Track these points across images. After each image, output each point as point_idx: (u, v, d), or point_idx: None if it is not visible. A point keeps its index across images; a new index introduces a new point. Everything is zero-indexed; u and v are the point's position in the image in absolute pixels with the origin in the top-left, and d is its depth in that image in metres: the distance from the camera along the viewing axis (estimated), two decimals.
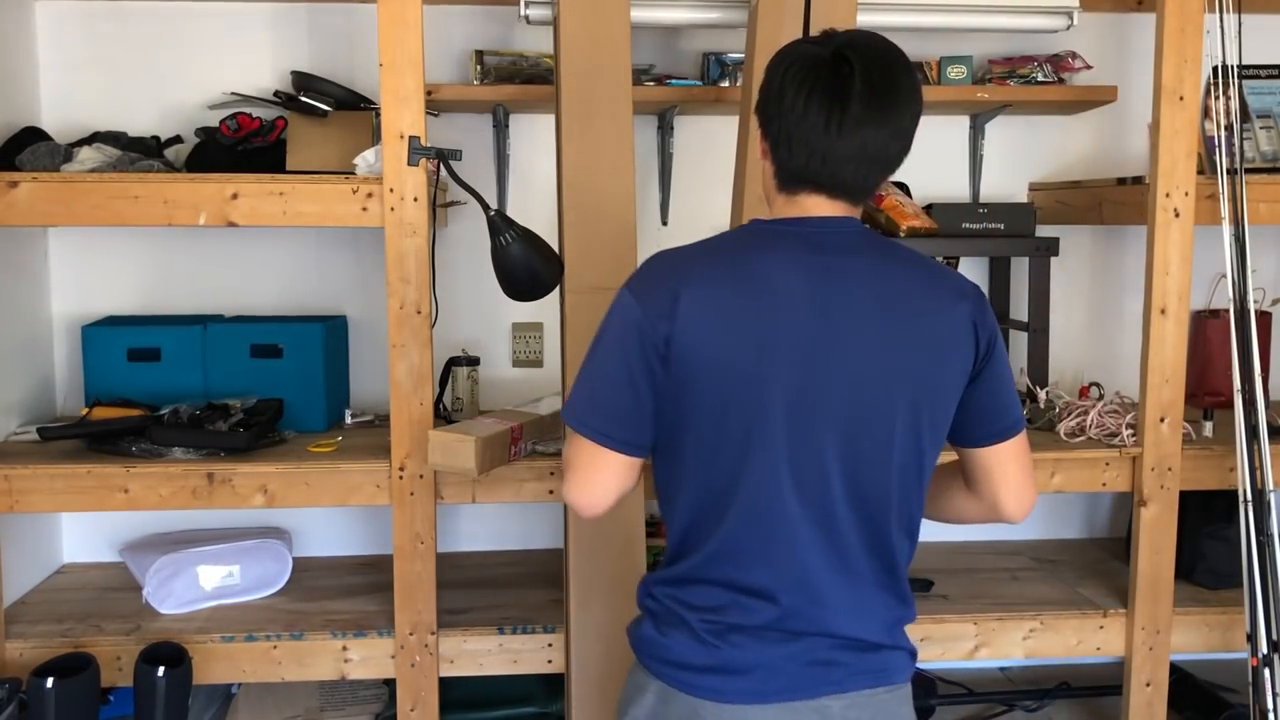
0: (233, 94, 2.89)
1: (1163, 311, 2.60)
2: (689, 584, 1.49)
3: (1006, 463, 1.55)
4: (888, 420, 1.44)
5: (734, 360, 1.41)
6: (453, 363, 2.90)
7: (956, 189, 3.20)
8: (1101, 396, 2.92)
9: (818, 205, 1.49)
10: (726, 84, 2.94)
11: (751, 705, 1.43)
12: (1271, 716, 2.45)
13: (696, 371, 1.41)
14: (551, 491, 2.58)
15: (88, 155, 2.57)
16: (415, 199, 2.44)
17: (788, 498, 1.43)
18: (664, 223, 3.12)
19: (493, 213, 2.27)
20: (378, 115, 2.57)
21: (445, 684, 2.62)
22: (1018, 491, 1.56)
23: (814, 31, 2.34)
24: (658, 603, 1.51)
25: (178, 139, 2.88)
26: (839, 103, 1.42)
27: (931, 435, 1.49)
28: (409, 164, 2.34)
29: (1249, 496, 2.52)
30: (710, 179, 3.03)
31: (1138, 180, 2.75)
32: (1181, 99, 2.55)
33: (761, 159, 1.53)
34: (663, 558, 1.55)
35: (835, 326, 1.42)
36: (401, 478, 2.51)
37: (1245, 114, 2.77)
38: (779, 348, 1.41)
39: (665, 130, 3.06)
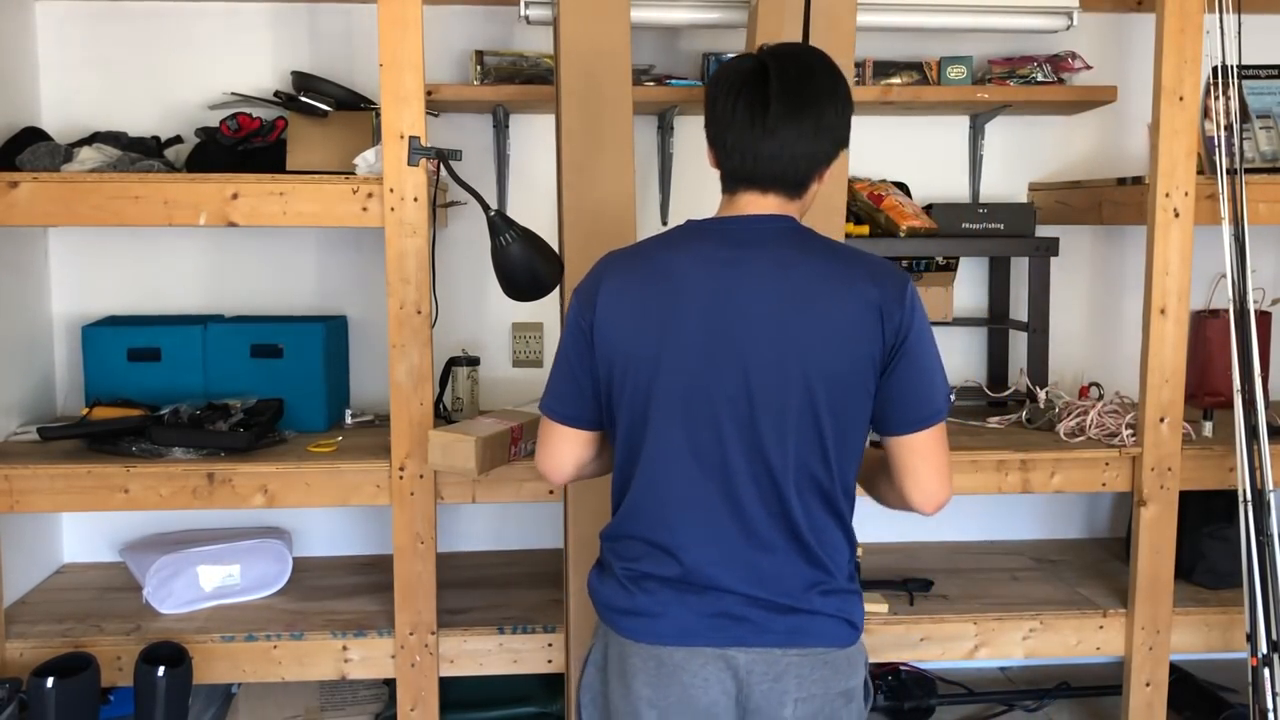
0: (233, 94, 2.90)
1: (1162, 311, 2.60)
2: (618, 539, 1.68)
3: (916, 453, 1.62)
4: (781, 402, 1.56)
5: (637, 345, 1.59)
6: (453, 363, 2.90)
7: (956, 189, 3.20)
8: (1101, 396, 2.92)
9: (751, 202, 1.65)
10: None
11: (662, 645, 1.60)
12: (1271, 716, 2.45)
13: (610, 355, 1.61)
14: (551, 491, 2.58)
15: (88, 155, 2.57)
16: (415, 199, 2.44)
17: (686, 468, 1.59)
18: (664, 223, 3.12)
19: (493, 213, 2.27)
20: (378, 115, 2.57)
21: (445, 684, 2.62)
22: (924, 484, 1.63)
23: (814, 31, 2.36)
24: (601, 555, 1.72)
25: (178, 139, 2.88)
26: (760, 104, 1.58)
27: (832, 419, 1.58)
28: (409, 164, 2.33)
29: (1249, 496, 2.52)
30: (710, 179, 2.99)
31: (1138, 180, 2.75)
32: (1181, 99, 2.55)
33: (711, 163, 1.70)
34: None
35: (730, 315, 1.57)
36: (401, 478, 2.51)
37: (1245, 114, 2.78)
38: (678, 333, 1.57)
39: (665, 130, 3.06)
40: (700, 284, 1.58)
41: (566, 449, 1.71)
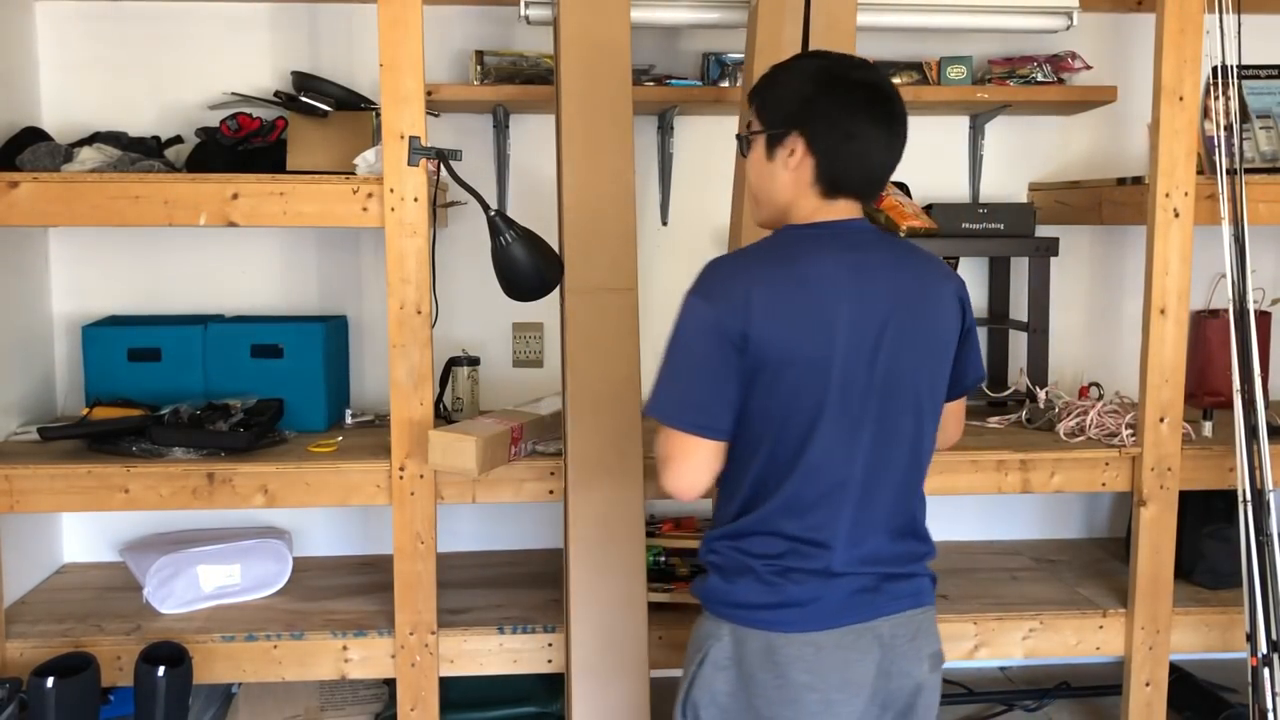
0: (233, 94, 2.90)
1: (1162, 311, 2.60)
2: (750, 536, 1.70)
3: (953, 414, 1.86)
4: (915, 395, 1.69)
5: (806, 348, 1.63)
6: (453, 363, 2.90)
7: (956, 189, 3.20)
8: (1101, 396, 2.92)
9: (849, 209, 1.71)
10: (726, 84, 2.94)
11: (817, 632, 1.67)
12: (1271, 716, 2.45)
13: (769, 359, 1.62)
14: (551, 491, 2.58)
15: (88, 155, 2.57)
16: (415, 199, 2.44)
17: (843, 463, 1.66)
18: (664, 223, 3.12)
19: (493, 213, 2.27)
20: (378, 115, 2.57)
21: (445, 684, 2.62)
22: (951, 434, 1.88)
23: (814, 31, 2.35)
24: (722, 556, 1.73)
25: (178, 139, 2.88)
26: (890, 120, 1.67)
27: (934, 403, 1.74)
28: (409, 164, 2.34)
29: (1248, 496, 2.52)
30: (710, 179, 3.03)
31: (1137, 180, 2.75)
32: (1181, 99, 2.55)
33: (789, 168, 1.69)
34: (719, 518, 1.78)
35: (871, 314, 1.65)
36: (401, 478, 2.51)
37: (1245, 114, 2.78)
38: (839, 334, 1.63)
39: (665, 130, 3.06)
40: (845, 285, 1.65)
41: (709, 463, 1.69)
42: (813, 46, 2.36)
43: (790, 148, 1.68)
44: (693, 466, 1.68)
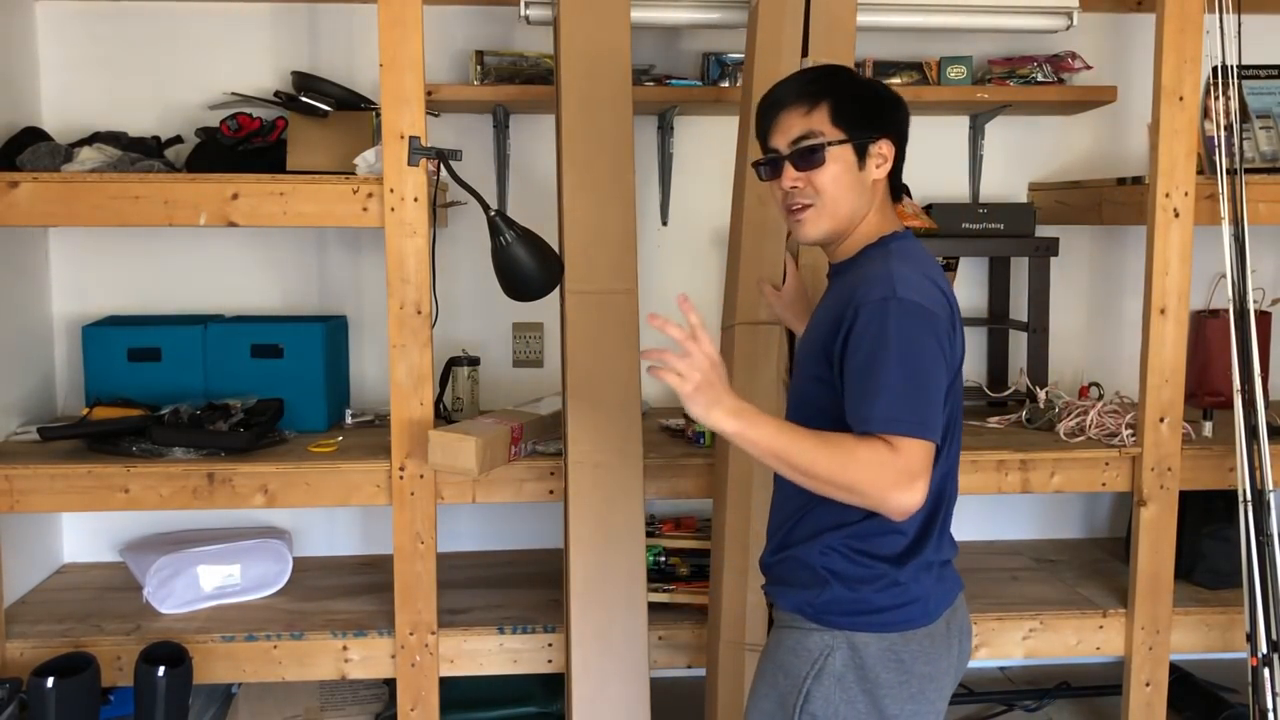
0: (233, 94, 2.90)
1: (1162, 311, 2.60)
2: (876, 536, 1.67)
3: None
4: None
5: (959, 352, 1.68)
6: (453, 363, 2.90)
7: (956, 189, 3.20)
8: (1101, 396, 2.92)
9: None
10: (726, 84, 2.94)
11: (931, 624, 1.71)
12: (1271, 716, 2.45)
13: (952, 371, 1.65)
14: (551, 491, 2.58)
15: (88, 155, 2.57)
16: (415, 199, 2.44)
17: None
18: (664, 223, 3.13)
19: (493, 213, 2.27)
20: (378, 115, 2.57)
21: (445, 684, 2.62)
22: None
23: (815, 31, 2.35)
24: (843, 560, 1.68)
25: (178, 139, 2.88)
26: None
27: None
28: (409, 164, 2.34)
29: (1249, 496, 2.52)
30: (710, 179, 3.03)
31: (1137, 180, 2.75)
32: (1181, 99, 2.55)
33: (876, 172, 1.72)
34: (823, 520, 1.69)
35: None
36: (401, 478, 2.51)
37: (1245, 114, 2.77)
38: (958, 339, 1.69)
39: (665, 130, 3.06)
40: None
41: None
42: (813, 47, 2.36)
43: (882, 154, 1.71)
44: (929, 479, 1.57)
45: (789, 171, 1.71)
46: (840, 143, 1.69)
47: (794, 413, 1.76)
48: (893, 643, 1.67)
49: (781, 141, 1.73)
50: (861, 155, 1.70)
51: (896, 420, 1.55)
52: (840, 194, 1.70)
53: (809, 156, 1.69)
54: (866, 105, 1.71)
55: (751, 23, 2.47)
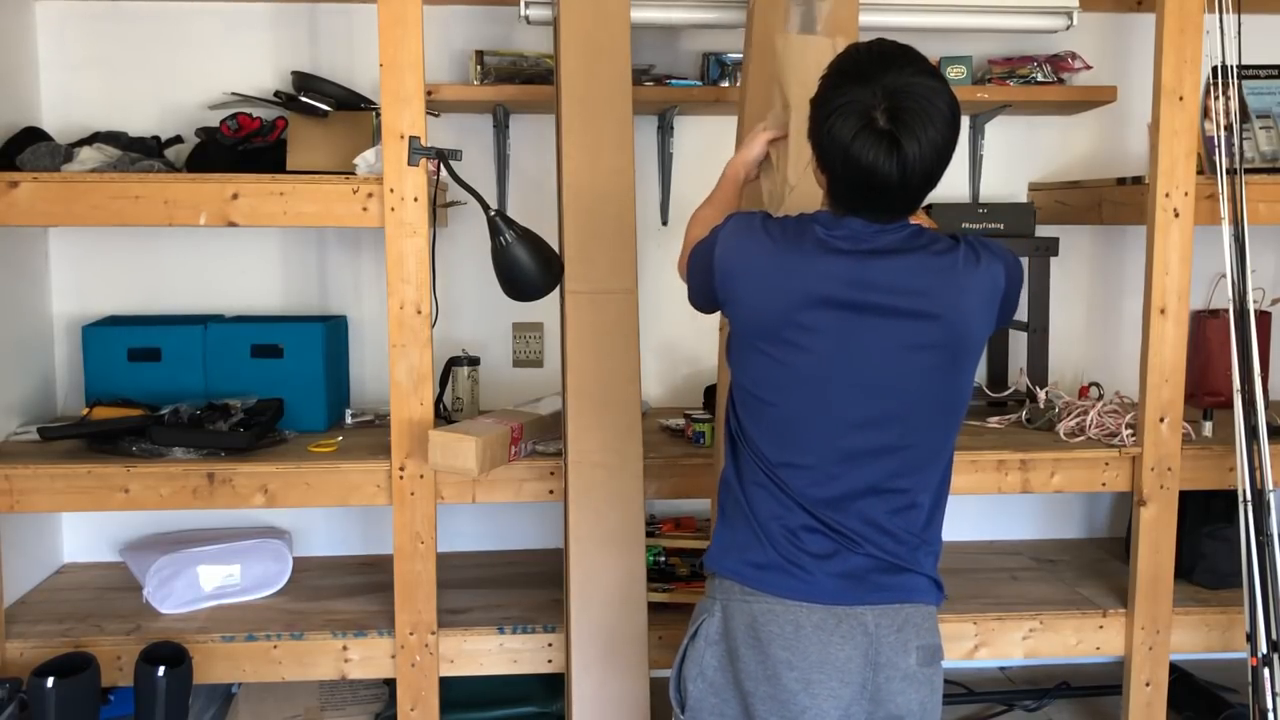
0: (233, 94, 2.90)
1: (1162, 311, 2.60)
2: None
3: None
4: None
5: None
6: (453, 363, 2.90)
7: (956, 189, 3.20)
8: (1101, 396, 2.92)
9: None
10: (726, 84, 2.94)
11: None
12: (1271, 716, 2.45)
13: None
14: (551, 491, 2.58)
15: (88, 155, 2.57)
16: (415, 199, 2.44)
17: None
18: (664, 223, 3.13)
19: (493, 213, 2.27)
20: (378, 115, 2.57)
21: (445, 684, 2.62)
22: None
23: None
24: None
25: (178, 139, 2.88)
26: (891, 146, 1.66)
27: None
28: (409, 164, 2.34)
29: (1248, 496, 2.52)
30: (710, 179, 3.00)
31: (1137, 180, 2.75)
32: (1181, 99, 2.55)
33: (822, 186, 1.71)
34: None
35: None
36: (401, 478, 2.51)
37: (1245, 114, 2.77)
38: None
39: (665, 130, 3.06)
40: None
41: None
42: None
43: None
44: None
45: None
46: None
47: None
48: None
49: None
50: None
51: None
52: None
53: None
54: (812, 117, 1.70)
55: (749, 22, 2.46)
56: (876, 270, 1.60)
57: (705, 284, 1.73)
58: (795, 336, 1.62)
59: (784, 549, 1.66)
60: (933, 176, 1.58)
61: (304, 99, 2.68)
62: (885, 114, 1.53)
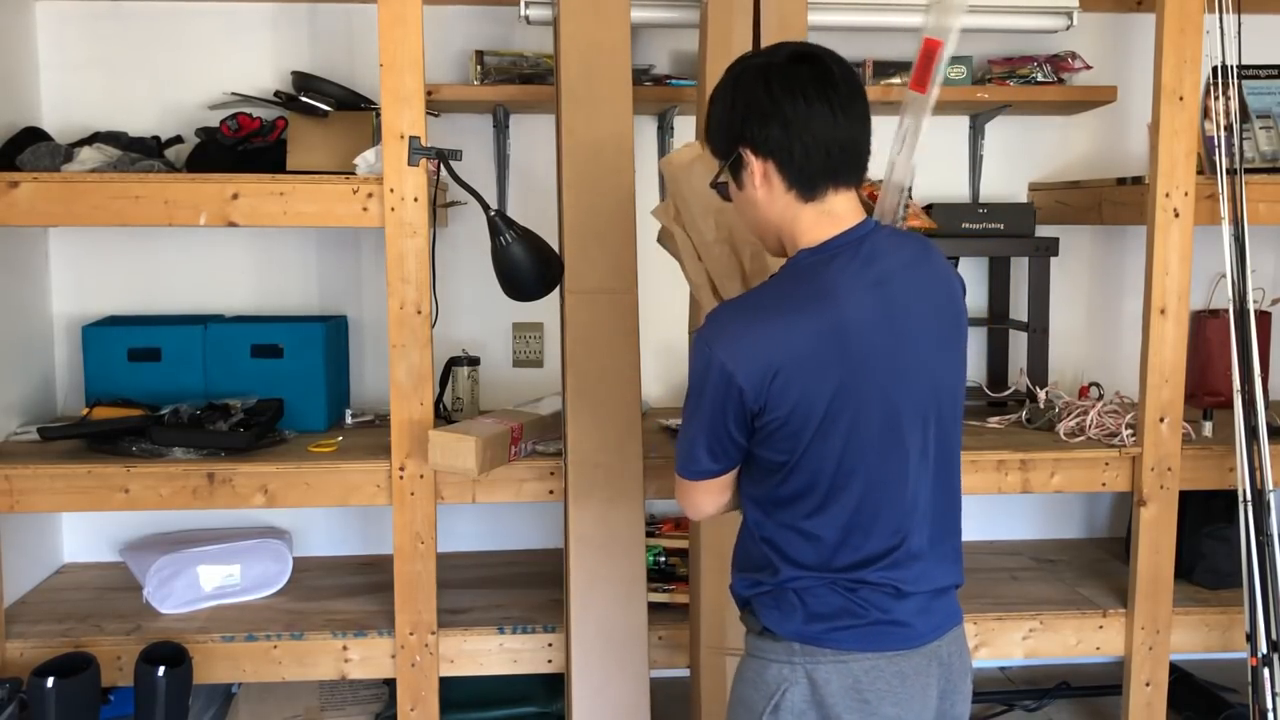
0: (233, 94, 2.90)
1: (1162, 311, 2.60)
2: None
3: None
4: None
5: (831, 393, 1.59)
6: (453, 363, 2.90)
7: (956, 189, 3.20)
8: (1101, 396, 2.92)
9: (843, 202, 1.55)
10: None
11: None
12: (1271, 716, 2.45)
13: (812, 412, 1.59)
14: (551, 491, 2.58)
15: (88, 155, 2.57)
16: (415, 199, 2.44)
17: None
18: None
19: (493, 213, 2.27)
20: (378, 115, 2.57)
21: (445, 684, 2.62)
22: None
23: (766, 30, 2.35)
24: None
25: (178, 139, 2.88)
26: (831, 93, 1.50)
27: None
28: (409, 164, 2.34)
29: (1249, 496, 2.52)
30: None
31: (1137, 180, 2.75)
32: (1181, 99, 2.55)
33: (759, 185, 1.54)
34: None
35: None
36: (401, 478, 2.51)
37: (1245, 114, 2.77)
38: None
39: (665, 130, 3.06)
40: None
41: None
42: (764, 46, 2.36)
43: (748, 166, 1.53)
44: (698, 500, 1.70)
45: None
46: (720, 175, 1.60)
47: None
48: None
49: None
50: (735, 176, 1.57)
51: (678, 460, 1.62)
52: (745, 220, 1.62)
53: (720, 193, 1.65)
54: (716, 127, 1.57)
55: (702, 24, 2.46)
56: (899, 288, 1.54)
57: (724, 420, 1.53)
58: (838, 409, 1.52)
59: (866, 599, 1.54)
60: None
61: (304, 99, 2.68)
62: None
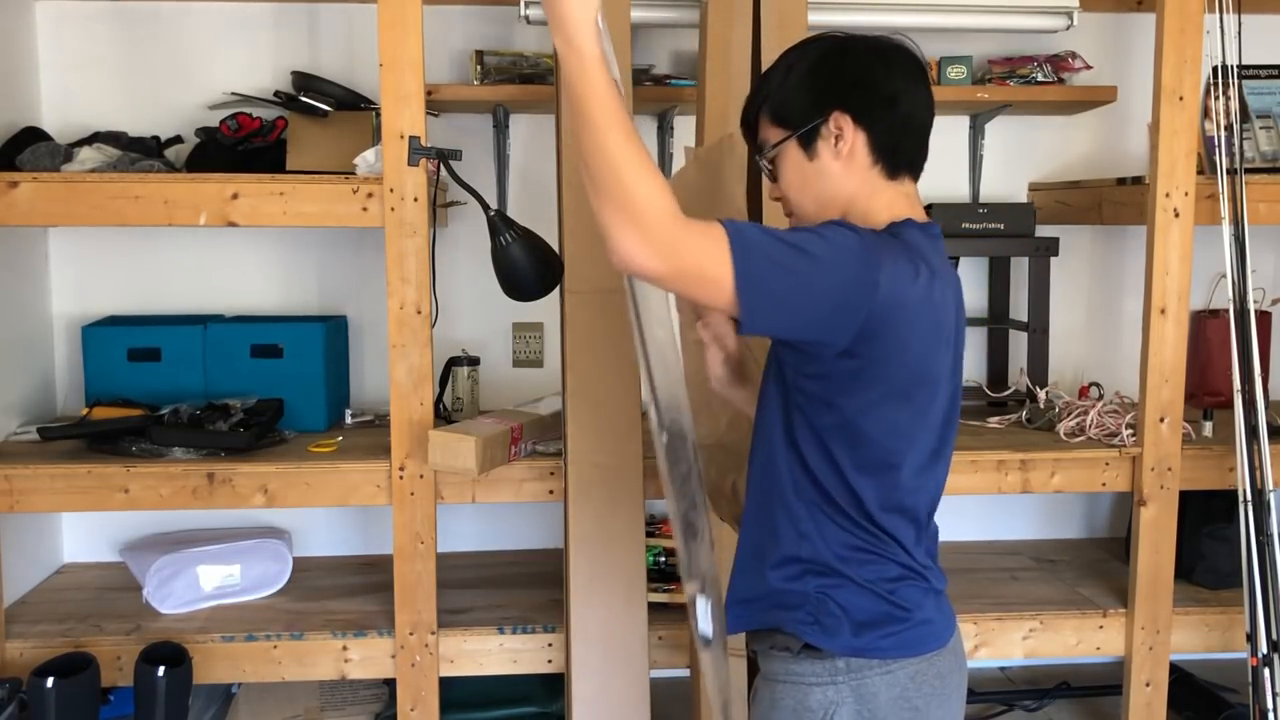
0: (233, 94, 2.90)
1: (1163, 311, 2.60)
2: None
3: None
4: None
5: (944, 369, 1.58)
6: (453, 363, 2.90)
7: (956, 189, 3.20)
8: (1101, 396, 2.92)
9: (914, 188, 1.56)
10: None
11: None
12: (1271, 716, 2.45)
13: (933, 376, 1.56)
14: (551, 491, 2.58)
15: (88, 155, 2.57)
16: (415, 199, 2.44)
17: None
18: None
19: (493, 213, 2.27)
20: (378, 115, 2.57)
21: (445, 684, 2.62)
22: None
23: (766, 30, 2.34)
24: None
25: (178, 139, 2.88)
26: (926, 82, 1.56)
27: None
28: (409, 164, 2.33)
29: (1249, 496, 2.52)
30: None
31: (1138, 180, 2.75)
32: (1181, 99, 2.55)
33: (841, 156, 1.50)
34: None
35: None
36: (401, 478, 2.51)
37: (1245, 114, 2.77)
38: None
39: (665, 130, 3.06)
40: None
41: None
42: (764, 46, 2.36)
43: (835, 131, 1.49)
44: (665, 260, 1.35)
45: (767, 188, 1.60)
46: (782, 142, 1.53)
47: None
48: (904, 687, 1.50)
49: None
50: (807, 144, 1.51)
51: (738, 229, 1.32)
52: (800, 193, 1.53)
53: (769, 170, 1.57)
54: (802, 91, 1.51)
55: (701, 24, 2.46)
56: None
57: (849, 298, 1.36)
58: (938, 376, 1.49)
59: (906, 600, 1.51)
60: None
61: (304, 99, 2.68)
62: None
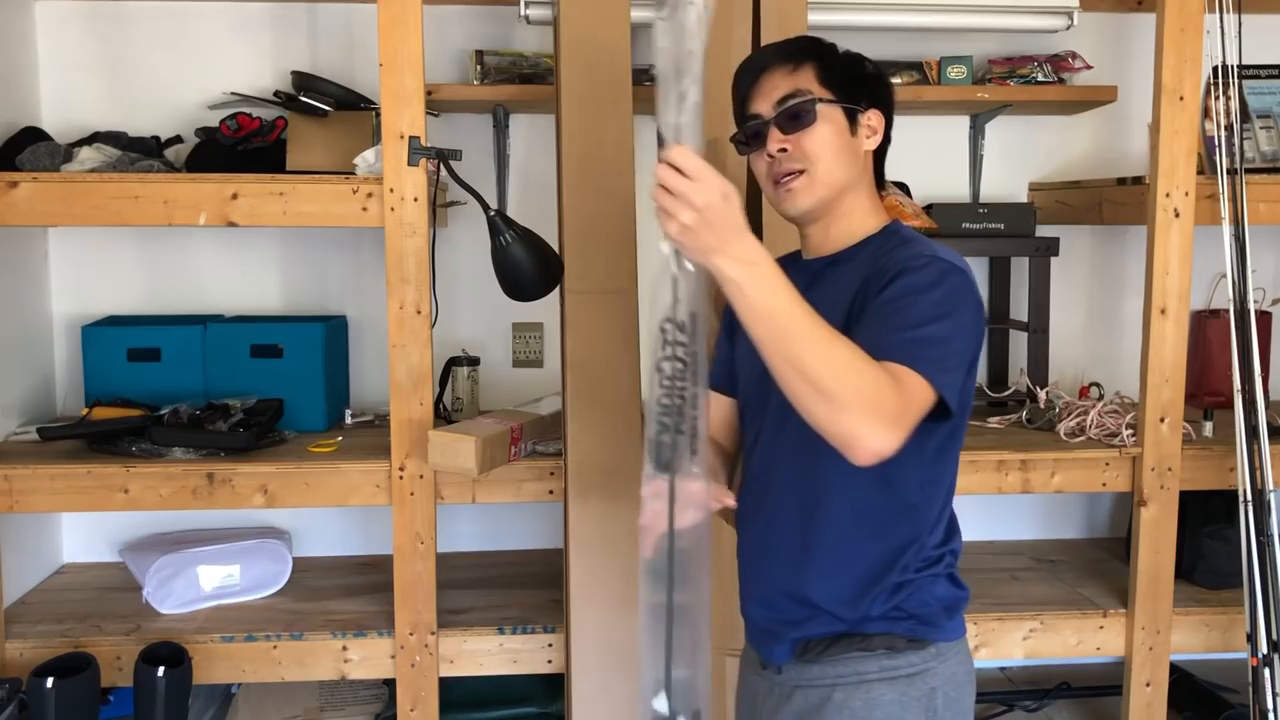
0: (233, 94, 2.89)
1: (1163, 311, 2.60)
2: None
3: None
4: None
5: None
6: (453, 363, 2.90)
7: (956, 189, 3.20)
8: (1101, 396, 2.92)
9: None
10: None
11: None
12: (1271, 716, 2.45)
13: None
14: (551, 491, 2.58)
15: (88, 155, 2.57)
16: (415, 199, 2.44)
17: None
18: None
19: (493, 213, 2.27)
20: (378, 115, 2.57)
21: (445, 684, 2.62)
22: None
23: (765, 31, 2.36)
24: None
25: (178, 139, 2.88)
26: None
27: None
28: (409, 164, 2.34)
29: (1249, 496, 2.52)
30: None
31: (1138, 180, 2.75)
32: (1181, 99, 2.55)
33: (867, 143, 1.60)
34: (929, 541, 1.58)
35: None
36: (401, 478, 2.51)
37: (1245, 114, 2.77)
38: None
39: None
40: None
41: None
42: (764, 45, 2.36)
43: (872, 125, 1.58)
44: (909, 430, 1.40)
45: (775, 135, 1.53)
46: (830, 102, 1.53)
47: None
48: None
49: (765, 105, 1.55)
50: (852, 120, 1.55)
51: (920, 358, 1.34)
52: (832, 159, 1.52)
53: (797, 116, 1.52)
54: (855, 72, 1.58)
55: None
56: None
57: (975, 341, 1.48)
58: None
59: (963, 581, 1.62)
60: None
61: (304, 99, 2.68)
62: None
